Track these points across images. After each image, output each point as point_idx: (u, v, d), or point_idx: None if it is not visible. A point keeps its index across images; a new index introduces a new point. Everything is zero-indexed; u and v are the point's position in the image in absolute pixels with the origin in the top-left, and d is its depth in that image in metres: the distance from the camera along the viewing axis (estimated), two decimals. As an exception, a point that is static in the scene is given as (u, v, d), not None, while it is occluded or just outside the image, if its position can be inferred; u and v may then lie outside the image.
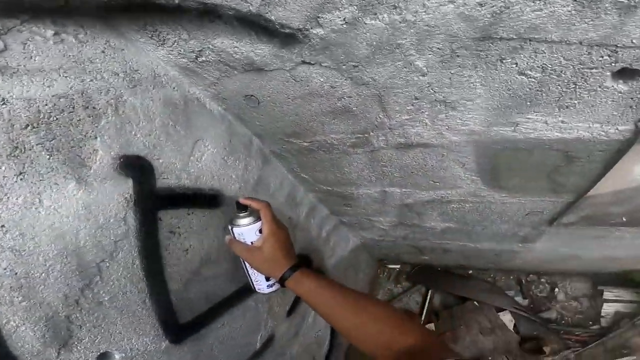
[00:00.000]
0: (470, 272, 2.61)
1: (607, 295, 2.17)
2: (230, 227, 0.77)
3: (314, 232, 1.52)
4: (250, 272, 0.82)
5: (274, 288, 0.83)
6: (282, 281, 0.75)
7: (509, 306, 2.22)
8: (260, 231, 0.76)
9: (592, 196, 1.02)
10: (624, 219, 1.16)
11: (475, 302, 2.32)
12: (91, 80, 0.57)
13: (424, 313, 2.48)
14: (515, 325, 2.21)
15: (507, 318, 2.23)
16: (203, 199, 0.83)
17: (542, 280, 2.40)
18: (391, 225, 1.64)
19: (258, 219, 0.76)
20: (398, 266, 2.79)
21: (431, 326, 2.38)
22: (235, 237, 0.77)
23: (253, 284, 0.84)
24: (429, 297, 2.53)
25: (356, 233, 1.98)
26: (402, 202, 1.32)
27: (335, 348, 2.11)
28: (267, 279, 0.81)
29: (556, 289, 2.32)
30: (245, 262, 0.80)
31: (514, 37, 0.52)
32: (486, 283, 2.43)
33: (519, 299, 2.33)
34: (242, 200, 0.77)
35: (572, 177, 0.94)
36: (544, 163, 0.90)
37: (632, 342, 2.02)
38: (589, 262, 1.93)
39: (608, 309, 2.15)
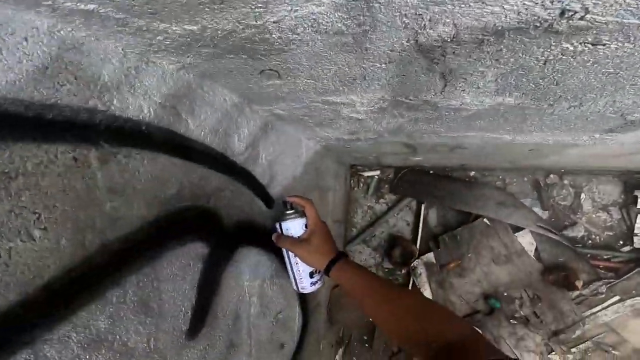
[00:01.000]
0: (473, 173, 1.96)
1: None
2: (278, 224, 0.82)
3: (209, 143, 0.67)
4: (294, 270, 0.84)
5: (317, 285, 0.86)
6: (327, 271, 0.76)
7: (532, 223, 1.64)
8: (306, 226, 0.81)
9: None
10: None
11: (485, 220, 1.72)
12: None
13: (419, 238, 1.91)
14: (536, 250, 1.69)
15: (526, 240, 1.67)
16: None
17: (565, 182, 1.80)
18: (375, 109, 0.82)
19: (303, 214, 0.82)
20: (377, 173, 2.08)
21: (429, 256, 1.83)
22: (282, 233, 0.82)
23: (297, 283, 0.86)
24: (422, 215, 1.92)
25: (310, 133, 1.16)
26: (414, 40, 0.46)
27: (310, 314, 1.55)
28: (311, 276, 0.84)
29: (582, 195, 1.75)
30: (290, 260, 0.83)
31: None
32: (500, 192, 1.79)
33: (537, 209, 1.76)
34: (289, 198, 0.83)
35: None
36: None
37: None
38: None
39: None
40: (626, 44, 0.41)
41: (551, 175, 1.82)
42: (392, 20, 0.41)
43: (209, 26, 0.41)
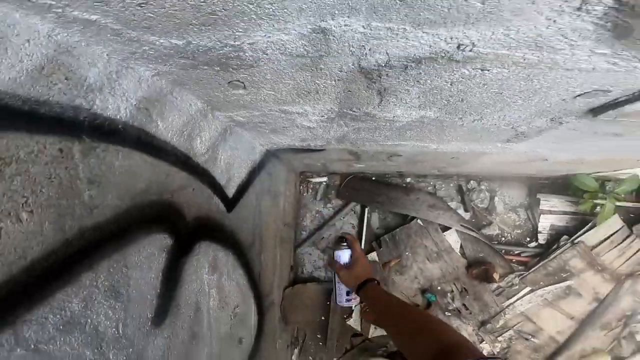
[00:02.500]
0: (409, 180, 2.23)
1: (543, 205, 2.02)
2: (333, 251, 1.08)
3: (174, 145, 0.73)
4: (337, 287, 1.08)
5: (350, 302, 1.08)
6: (358, 290, 0.99)
7: (456, 223, 1.92)
8: (351, 256, 1.06)
9: None
10: None
11: (419, 221, 1.97)
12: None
13: (363, 240, 2.08)
14: (461, 247, 1.97)
15: (452, 239, 1.95)
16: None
17: (482, 187, 2.15)
18: (324, 119, 0.95)
19: (349, 247, 1.06)
20: (324, 179, 2.23)
21: (373, 255, 2.01)
22: (334, 258, 1.07)
23: (336, 297, 1.10)
24: (365, 218, 2.11)
25: (265, 139, 1.25)
26: (358, 64, 0.59)
27: (265, 311, 1.60)
28: (347, 294, 1.07)
29: (495, 198, 2.11)
30: (336, 279, 1.07)
31: None
32: (430, 196, 2.06)
33: (461, 212, 2.06)
34: (343, 233, 1.20)
35: None
36: None
37: (572, 265, 1.96)
38: (548, 166, 1.65)
39: (544, 222, 2.02)
40: (503, 70, 0.60)
41: (471, 181, 2.15)
42: (342, 48, 0.54)
43: (193, 42, 0.49)
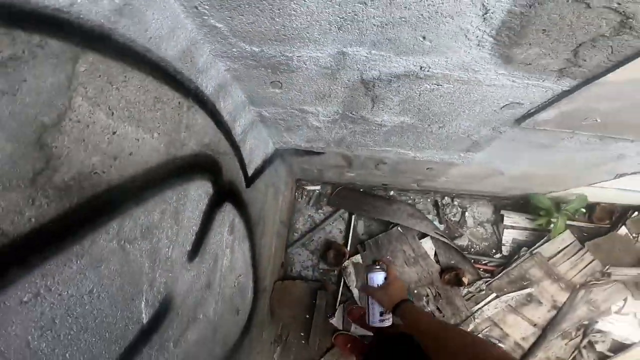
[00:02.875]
0: (392, 193, 2.56)
1: (506, 221, 2.38)
2: (367, 273, 1.17)
3: (226, 121, 1.04)
4: (370, 308, 1.14)
5: (384, 323, 1.11)
6: (394, 309, 1.04)
7: (431, 231, 2.24)
8: (386, 278, 1.14)
9: (597, 84, 0.84)
10: (598, 120, 1.06)
11: (399, 228, 2.28)
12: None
13: (349, 243, 2.37)
14: (435, 254, 2.28)
15: (428, 246, 2.27)
16: None
17: (455, 203, 2.51)
18: (330, 120, 1.28)
19: (383, 270, 1.16)
20: (318, 187, 2.55)
21: (357, 258, 2.29)
22: (367, 281, 1.16)
23: (369, 317, 1.15)
24: (352, 224, 2.41)
25: (278, 137, 1.57)
26: (360, 77, 0.94)
27: (260, 294, 1.83)
28: (381, 314, 1.11)
29: (466, 213, 2.46)
30: (369, 300, 1.14)
31: None
32: (409, 206, 2.40)
33: (436, 223, 2.40)
34: (378, 259, 1.21)
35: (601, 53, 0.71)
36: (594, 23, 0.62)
37: (531, 273, 2.29)
38: (506, 181, 2.01)
39: (507, 235, 2.38)
40: (449, 85, 0.95)
41: (446, 197, 2.50)
42: (352, 65, 0.88)
43: (265, 50, 0.83)
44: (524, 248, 2.31)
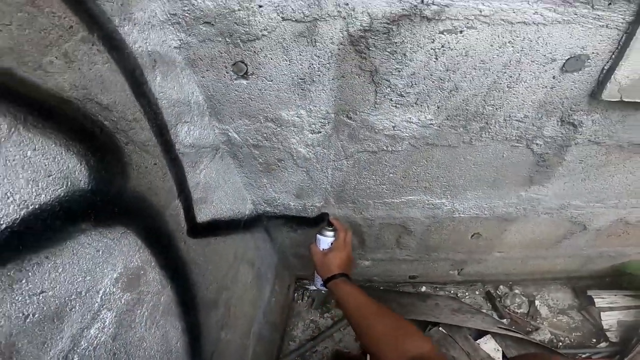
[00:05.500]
0: (424, 289, 2.04)
1: (598, 302, 1.81)
2: (317, 234, 1.17)
3: (159, 106, 0.76)
4: (315, 272, 1.17)
5: (324, 288, 1.10)
6: (325, 282, 1.06)
7: (492, 326, 1.65)
8: (331, 243, 1.13)
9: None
10: None
11: (441, 329, 1.69)
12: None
13: (368, 355, 1.75)
14: (504, 356, 1.63)
15: (490, 347, 1.63)
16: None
17: (516, 292, 1.95)
18: (321, 137, 0.99)
19: (334, 235, 1.14)
20: (324, 288, 2.05)
21: None
22: (315, 242, 1.16)
23: (315, 279, 1.19)
24: (371, 328, 1.83)
25: (258, 189, 1.26)
26: (346, 31, 0.71)
27: None
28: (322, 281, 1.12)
29: (536, 302, 1.89)
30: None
31: None
32: (453, 300, 1.86)
33: (496, 317, 1.81)
34: (331, 219, 1.21)
35: None
36: None
37: None
38: (589, 243, 1.55)
39: (607, 319, 1.77)
40: (473, 31, 0.71)
41: (500, 287, 1.97)
42: (328, 6, 0.67)
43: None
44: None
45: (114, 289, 0.70)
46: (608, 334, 1.78)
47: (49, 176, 0.53)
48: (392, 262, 1.80)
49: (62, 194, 0.55)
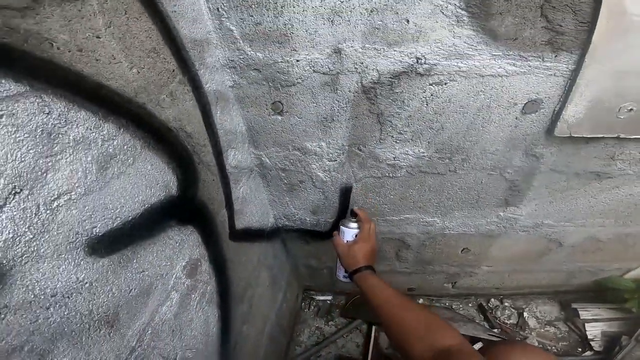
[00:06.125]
0: (421, 301, 2.23)
1: (583, 314, 2.00)
2: (340, 225, 1.17)
3: (218, 135, 1.01)
4: (338, 262, 1.17)
5: (348, 281, 1.11)
6: (351, 275, 1.05)
7: (482, 333, 1.85)
8: (357, 236, 1.11)
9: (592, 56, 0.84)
10: (633, 108, 0.91)
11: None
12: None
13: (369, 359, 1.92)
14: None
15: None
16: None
17: (506, 304, 2.15)
18: (337, 164, 1.24)
19: (358, 227, 1.13)
20: (329, 297, 2.25)
21: None
22: (339, 233, 1.15)
23: (336, 271, 1.20)
24: (372, 336, 2.01)
25: (280, 206, 1.49)
26: (360, 83, 0.98)
27: None
28: (345, 271, 1.11)
29: (525, 314, 2.08)
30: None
31: None
32: (447, 310, 2.05)
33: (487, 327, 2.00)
34: (355, 209, 1.21)
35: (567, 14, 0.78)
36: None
37: None
38: (566, 258, 1.74)
39: (592, 330, 1.96)
40: (453, 83, 0.97)
41: (492, 299, 2.16)
42: (348, 66, 0.93)
43: (267, 56, 0.91)
44: (624, 337, 1.85)
45: (181, 275, 0.92)
46: (592, 343, 1.95)
47: (157, 184, 0.76)
48: (392, 275, 1.99)
49: (163, 198, 0.79)
